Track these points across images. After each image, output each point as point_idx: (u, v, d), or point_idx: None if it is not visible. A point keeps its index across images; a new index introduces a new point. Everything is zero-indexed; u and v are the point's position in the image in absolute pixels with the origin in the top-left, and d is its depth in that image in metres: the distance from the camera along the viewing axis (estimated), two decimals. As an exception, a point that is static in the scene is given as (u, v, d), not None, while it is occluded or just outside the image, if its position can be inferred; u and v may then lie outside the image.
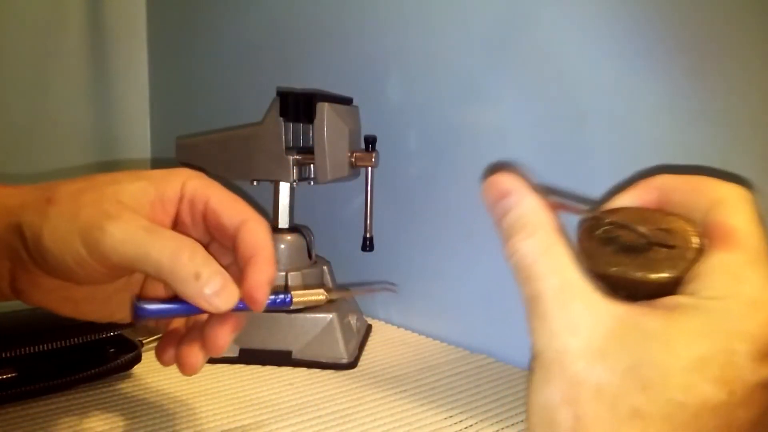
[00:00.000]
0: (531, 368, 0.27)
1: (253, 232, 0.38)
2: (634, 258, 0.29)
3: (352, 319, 0.69)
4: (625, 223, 0.30)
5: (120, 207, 0.36)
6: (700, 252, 0.28)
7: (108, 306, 0.42)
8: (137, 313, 0.37)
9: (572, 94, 0.62)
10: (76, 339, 0.56)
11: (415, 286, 0.78)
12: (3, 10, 0.97)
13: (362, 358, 0.67)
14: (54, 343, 0.55)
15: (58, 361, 0.56)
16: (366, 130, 0.73)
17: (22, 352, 0.54)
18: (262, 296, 0.37)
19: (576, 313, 0.27)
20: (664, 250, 0.29)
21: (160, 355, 0.40)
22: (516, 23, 0.66)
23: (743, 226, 0.28)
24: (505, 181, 0.30)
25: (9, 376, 0.54)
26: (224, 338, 0.38)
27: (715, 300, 0.27)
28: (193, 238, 0.37)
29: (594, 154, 0.61)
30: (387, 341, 0.73)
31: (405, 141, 0.77)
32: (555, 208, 0.29)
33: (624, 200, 0.32)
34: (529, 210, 0.29)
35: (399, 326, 0.78)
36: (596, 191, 0.62)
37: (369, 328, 0.75)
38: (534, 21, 0.65)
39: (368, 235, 0.69)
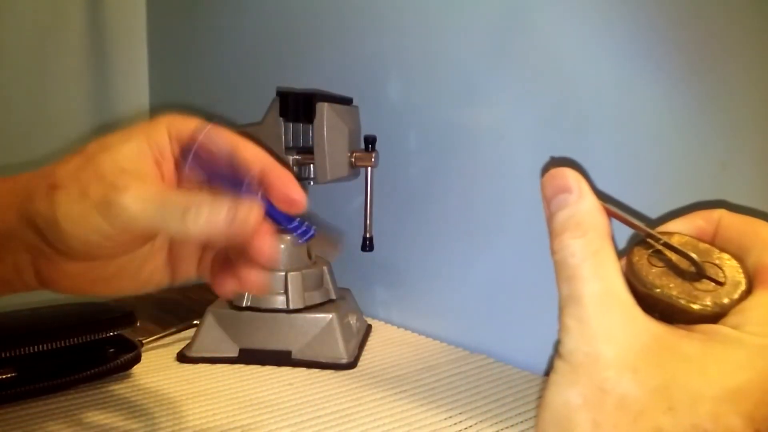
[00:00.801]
0: (554, 366, 0.27)
1: (248, 149, 0.39)
2: (680, 284, 0.29)
3: (352, 319, 0.69)
4: (680, 248, 0.30)
5: (125, 176, 0.36)
6: (747, 294, 0.28)
7: (139, 277, 0.41)
8: (190, 153, 0.36)
9: (572, 94, 0.62)
10: (75, 339, 0.56)
11: (415, 286, 0.78)
12: (3, 10, 0.97)
13: (362, 358, 0.67)
14: (53, 343, 0.55)
15: (58, 361, 0.56)
16: (366, 130, 0.73)
17: (22, 352, 0.54)
18: (299, 195, 0.38)
19: (614, 321, 0.26)
20: (712, 284, 0.29)
21: (220, 287, 0.40)
22: (516, 23, 0.66)
23: None
24: (569, 175, 0.30)
25: (9, 376, 0.54)
26: (268, 245, 0.38)
27: (758, 336, 0.26)
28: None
29: (594, 153, 0.61)
30: (387, 341, 0.73)
31: (405, 141, 0.77)
32: (609, 215, 0.29)
33: (680, 226, 0.33)
34: (586, 210, 0.29)
35: (399, 326, 0.78)
36: (596, 188, 0.62)
37: (369, 328, 0.75)
38: (534, 21, 0.65)
39: (368, 235, 0.69)
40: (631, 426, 0.25)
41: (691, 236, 0.31)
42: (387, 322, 0.79)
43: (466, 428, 0.53)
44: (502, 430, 0.53)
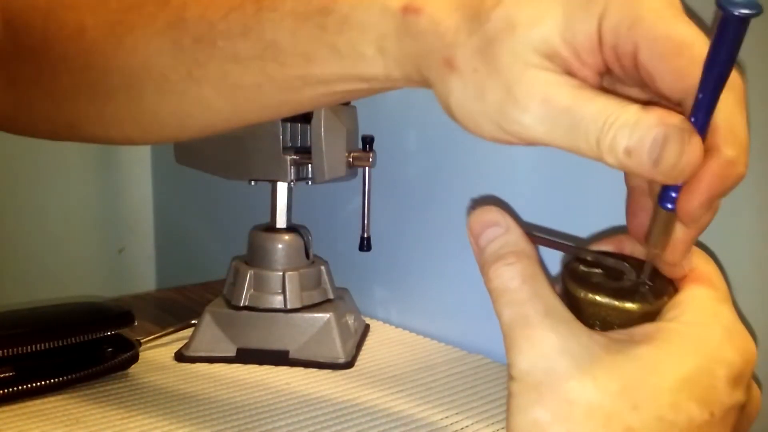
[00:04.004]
0: (511, 392, 0.28)
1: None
2: (616, 290, 0.31)
3: (350, 319, 0.69)
4: (609, 260, 0.33)
5: (528, 83, 0.28)
6: (675, 292, 0.31)
7: None
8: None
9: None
10: (73, 338, 0.56)
11: (413, 287, 0.78)
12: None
13: (359, 357, 0.67)
14: (51, 343, 0.55)
15: (56, 361, 0.56)
16: (364, 130, 0.73)
17: (20, 351, 0.54)
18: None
19: (564, 336, 0.28)
20: (644, 287, 0.31)
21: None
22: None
23: (713, 273, 0.31)
24: (492, 212, 0.32)
25: (6, 375, 0.54)
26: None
27: (696, 326, 0.29)
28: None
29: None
30: (384, 341, 0.73)
31: (404, 141, 0.77)
32: (536, 242, 0.32)
33: (604, 245, 0.35)
34: (515, 239, 0.31)
35: (397, 326, 0.78)
36: (595, 187, 0.62)
37: (367, 327, 0.75)
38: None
39: (366, 235, 0.69)
40: (603, 430, 0.26)
41: (618, 252, 0.34)
42: (385, 321, 0.79)
43: (463, 428, 0.53)
44: (498, 430, 0.53)
